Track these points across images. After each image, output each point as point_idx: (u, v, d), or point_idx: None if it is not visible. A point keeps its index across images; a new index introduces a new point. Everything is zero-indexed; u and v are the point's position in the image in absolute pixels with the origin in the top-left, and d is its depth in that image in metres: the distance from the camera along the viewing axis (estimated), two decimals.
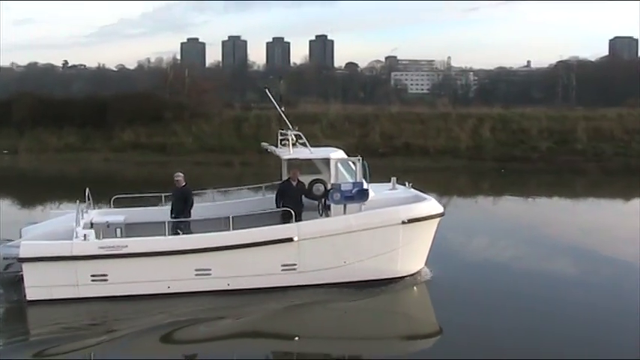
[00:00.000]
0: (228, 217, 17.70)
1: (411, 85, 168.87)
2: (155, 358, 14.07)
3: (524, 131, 53.31)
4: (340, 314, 16.55)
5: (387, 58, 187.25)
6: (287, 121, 19.30)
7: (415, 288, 18.47)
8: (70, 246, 16.62)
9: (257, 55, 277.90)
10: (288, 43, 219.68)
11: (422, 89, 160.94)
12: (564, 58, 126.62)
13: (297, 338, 15.09)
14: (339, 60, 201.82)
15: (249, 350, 14.56)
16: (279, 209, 18.49)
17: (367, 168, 18.36)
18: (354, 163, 18.53)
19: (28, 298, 16.29)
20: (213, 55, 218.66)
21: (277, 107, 20.11)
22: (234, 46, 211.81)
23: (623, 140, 52.70)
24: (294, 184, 18.97)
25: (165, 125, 54.25)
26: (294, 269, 17.60)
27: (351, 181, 18.39)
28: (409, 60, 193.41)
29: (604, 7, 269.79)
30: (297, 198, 18.67)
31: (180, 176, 18.80)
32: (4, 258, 16.75)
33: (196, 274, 17.14)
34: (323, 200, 18.62)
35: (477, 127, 53.50)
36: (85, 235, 16.88)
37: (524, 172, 45.99)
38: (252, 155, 49.99)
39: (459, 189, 41.44)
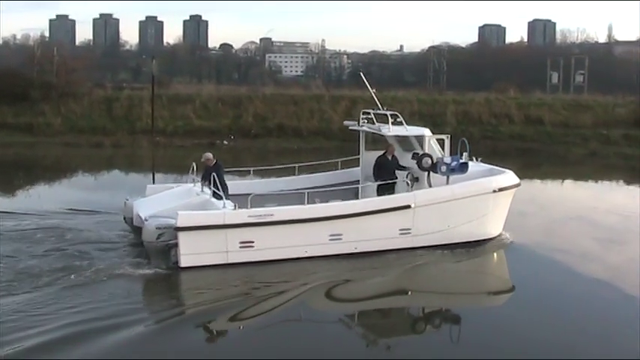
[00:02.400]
0: (308, 190, 19.83)
1: (286, 67, 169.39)
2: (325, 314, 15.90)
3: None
4: (441, 273, 18.95)
5: (261, 39, 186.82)
6: (378, 101, 22.00)
7: (495, 251, 21.00)
8: (222, 215, 17.98)
9: (129, 34, 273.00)
10: (162, 23, 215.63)
11: (296, 71, 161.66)
12: (436, 43, 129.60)
13: (410, 293, 17.59)
14: (214, 41, 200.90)
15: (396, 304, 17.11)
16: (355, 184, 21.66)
17: (467, 144, 20.62)
18: (442, 140, 21.23)
19: (183, 264, 17.47)
20: (84, 34, 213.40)
21: (369, 88, 22.82)
22: (106, 25, 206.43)
23: (491, 124, 54.39)
24: (390, 157, 21.23)
25: (32, 105, 52.13)
26: (409, 233, 19.76)
27: (439, 155, 20.82)
28: (284, 42, 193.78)
29: None
30: (392, 170, 21.00)
31: (209, 156, 20.57)
32: (156, 228, 17.59)
33: (330, 239, 18.90)
34: (427, 171, 20.53)
35: (349, 109, 53.85)
36: (235, 206, 18.32)
37: None
38: (123, 136, 49.19)
39: (327, 169, 41.81)
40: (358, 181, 22.50)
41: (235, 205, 18.36)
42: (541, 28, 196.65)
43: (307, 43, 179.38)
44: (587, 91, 76.08)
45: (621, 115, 56.94)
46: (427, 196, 20.00)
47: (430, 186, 20.57)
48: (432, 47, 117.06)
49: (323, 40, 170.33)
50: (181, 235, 17.46)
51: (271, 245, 18.23)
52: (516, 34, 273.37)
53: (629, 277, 18.25)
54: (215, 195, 19.05)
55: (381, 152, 21.73)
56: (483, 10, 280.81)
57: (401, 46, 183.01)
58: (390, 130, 20.74)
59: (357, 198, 21.11)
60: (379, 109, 21.74)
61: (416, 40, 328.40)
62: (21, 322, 13.76)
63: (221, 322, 14.87)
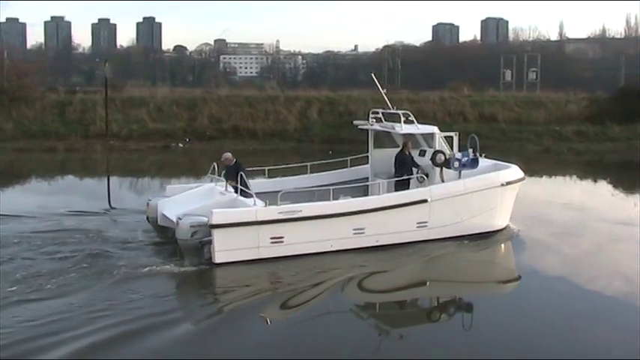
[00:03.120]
0: (325, 186, 21.53)
1: (240, 68, 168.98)
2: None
3: (351, 113, 54.17)
4: (456, 264, 20.05)
5: (216, 41, 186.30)
6: (388, 101, 23.12)
7: (503, 242, 22.13)
8: (254, 212, 18.78)
9: (82, 37, 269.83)
10: (115, 25, 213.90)
11: (251, 72, 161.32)
12: (390, 42, 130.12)
13: (428, 283, 18.54)
14: (168, 43, 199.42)
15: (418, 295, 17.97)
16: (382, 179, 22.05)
17: (477, 141, 21.75)
18: (451, 137, 22.35)
19: (217, 260, 18.22)
20: (35, 37, 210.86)
21: (380, 89, 23.95)
22: (58, 27, 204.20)
23: (446, 122, 54.57)
24: (407, 153, 22.39)
25: None
26: (426, 226, 20.85)
27: (449, 152, 21.98)
28: (238, 43, 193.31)
29: None
30: (410, 166, 22.24)
31: (228, 155, 21.36)
32: (190, 226, 18.15)
33: (354, 233, 19.81)
34: (440, 167, 21.68)
35: (304, 110, 54.06)
36: (266, 203, 19.06)
37: (352, 153, 46.79)
38: (77, 141, 48.62)
39: (289, 171, 41.75)
40: (367, 178, 23.68)
41: (266, 203, 19.11)
42: (494, 27, 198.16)
43: (262, 44, 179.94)
44: (539, 89, 76.73)
45: (573, 112, 57.82)
46: (442, 191, 21.23)
47: (443, 181, 21.78)
48: (386, 46, 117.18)
49: (277, 41, 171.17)
50: (215, 232, 18.18)
51: (300, 240, 19.08)
52: (470, 32, 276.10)
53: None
54: (242, 193, 19.99)
55: (390, 149, 23.63)
56: (437, 9, 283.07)
57: (355, 46, 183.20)
58: (402, 128, 21.86)
59: (366, 195, 22.08)
60: (389, 109, 22.98)
61: (370, 40, 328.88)
62: (69, 322, 14.10)
63: (256, 315, 15.24)
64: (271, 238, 18.83)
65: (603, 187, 36.40)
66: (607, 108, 57.00)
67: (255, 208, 18.92)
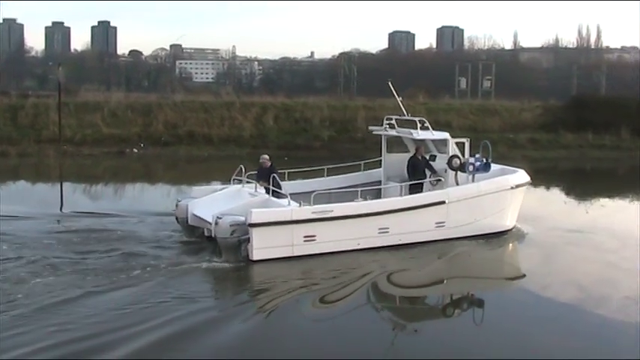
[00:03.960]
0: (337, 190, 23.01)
1: (196, 73, 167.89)
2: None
3: (307, 120, 54.38)
4: (467, 261, 21.69)
5: (172, 46, 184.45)
6: (403, 108, 24.55)
7: (511, 241, 23.82)
8: (290, 212, 19.90)
9: (35, 40, 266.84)
10: (69, 28, 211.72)
11: (207, 78, 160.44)
12: (346, 49, 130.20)
13: (445, 281, 19.68)
14: (123, 47, 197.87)
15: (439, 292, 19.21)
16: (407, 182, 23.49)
17: (489, 147, 23.71)
18: (462, 143, 23.49)
19: (255, 258, 19.31)
20: None
21: (396, 96, 25.10)
22: (10, 30, 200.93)
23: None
24: (420, 158, 23.85)
25: None
26: (443, 226, 22.29)
27: (463, 157, 23.34)
28: (194, 48, 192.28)
29: (384, 2, 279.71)
30: (424, 169, 23.77)
31: (267, 157, 23.12)
32: (230, 225, 19.10)
33: (379, 232, 21.14)
34: (456, 171, 23.15)
35: (260, 116, 53.93)
36: (300, 203, 20.35)
37: (307, 160, 46.85)
38: (29, 145, 47.98)
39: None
40: (380, 181, 25.04)
41: (300, 203, 20.36)
42: (449, 35, 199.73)
43: (218, 49, 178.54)
44: (494, 97, 77.44)
45: (527, 120, 58.53)
46: (458, 193, 22.73)
47: (457, 184, 23.22)
48: (342, 53, 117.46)
49: (233, 47, 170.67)
50: (254, 231, 19.25)
51: (330, 239, 20.23)
52: (425, 40, 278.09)
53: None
54: (274, 194, 21.32)
55: (403, 154, 25.12)
56: (393, 16, 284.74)
57: (312, 53, 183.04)
58: (419, 134, 23.31)
59: (379, 197, 23.49)
60: (403, 115, 24.50)
61: (327, 47, 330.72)
62: (126, 319, 14.84)
63: (296, 310, 16.48)
64: (304, 237, 20.02)
65: (556, 195, 36.86)
66: (560, 116, 57.84)
67: (290, 208, 20.08)
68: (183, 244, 21.39)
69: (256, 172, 22.88)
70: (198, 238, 21.72)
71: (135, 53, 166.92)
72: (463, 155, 23.37)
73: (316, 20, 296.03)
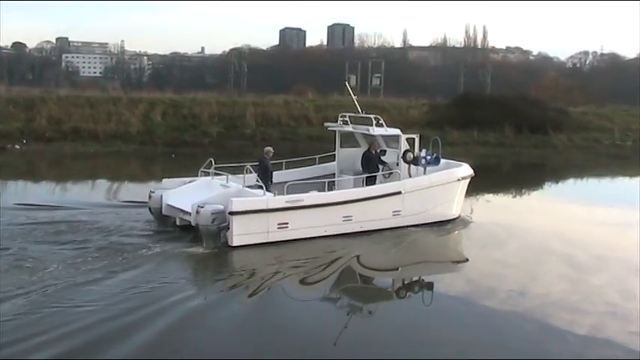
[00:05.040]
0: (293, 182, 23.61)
1: (84, 68, 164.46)
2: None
3: (196, 116, 53.82)
4: (420, 247, 23.13)
5: (58, 39, 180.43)
6: (358, 106, 25.99)
7: (456, 229, 25.58)
8: (266, 201, 21.32)
9: None
10: None
11: (95, 72, 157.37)
12: (237, 45, 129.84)
13: (400, 269, 21.17)
14: (5, 39, 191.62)
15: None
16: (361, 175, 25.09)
17: (439, 142, 25.87)
18: (412, 139, 25.23)
19: (234, 244, 20.55)
20: None
21: (351, 95, 26.85)
22: None
23: (290, 126, 55.14)
24: (374, 152, 25.35)
25: None
26: (399, 214, 24.05)
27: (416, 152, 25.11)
28: (82, 42, 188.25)
29: None
30: (377, 163, 25.28)
31: (271, 149, 24.49)
32: (211, 213, 20.23)
33: (343, 220, 22.67)
34: (409, 164, 24.87)
35: (148, 112, 53.02)
36: (275, 193, 22.11)
37: (195, 157, 46.44)
38: None
39: (130, 174, 41.03)
40: (334, 174, 26.60)
41: (275, 193, 22.12)
42: (340, 32, 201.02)
43: (106, 43, 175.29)
44: (383, 94, 78.54)
45: (414, 117, 59.41)
46: (413, 184, 24.45)
47: (410, 176, 24.94)
48: (233, 49, 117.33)
49: (122, 41, 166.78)
50: (234, 219, 20.53)
51: (301, 226, 21.73)
52: (316, 37, 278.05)
53: None
54: (265, 184, 22.64)
55: (355, 149, 26.78)
56: (284, 13, 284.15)
57: (202, 48, 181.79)
58: (375, 130, 24.91)
59: (332, 189, 24.50)
60: (359, 112, 25.73)
61: (217, 42, 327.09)
62: (134, 301, 15.82)
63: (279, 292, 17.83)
64: (278, 224, 21.41)
65: None
66: (446, 114, 58.92)
67: (266, 198, 21.57)
68: (159, 233, 22.25)
69: (258, 162, 24.28)
70: (170, 227, 22.60)
71: (18, 45, 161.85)
72: (413, 150, 25.04)
73: (207, 15, 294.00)
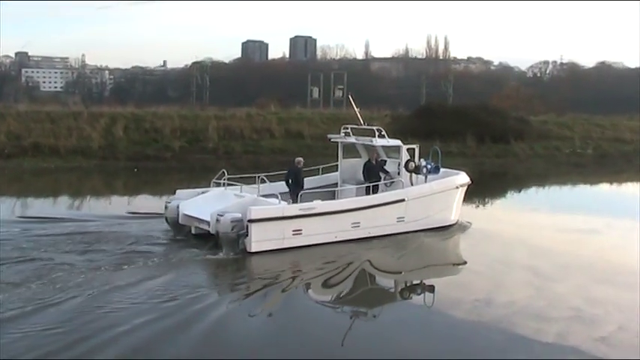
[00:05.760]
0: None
1: (44, 82, 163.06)
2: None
3: (157, 130, 53.39)
4: (423, 252, 24.39)
5: (17, 53, 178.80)
6: (360, 118, 27.10)
7: (456, 233, 26.75)
8: (282, 209, 22.47)
9: None
10: None
11: (56, 87, 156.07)
12: (199, 58, 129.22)
13: (402, 273, 22.12)
14: None
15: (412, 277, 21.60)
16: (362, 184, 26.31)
17: (439, 152, 27.43)
18: (413, 149, 26.66)
19: (253, 250, 21.59)
20: None
21: (354, 107, 28.37)
22: None
23: (252, 139, 54.97)
24: (374, 162, 26.49)
25: None
26: (403, 220, 25.16)
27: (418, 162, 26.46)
28: (42, 56, 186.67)
29: (237, 11, 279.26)
30: (377, 172, 26.35)
31: (300, 160, 25.64)
32: (231, 221, 21.30)
33: (352, 226, 23.78)
34: (411, 173, 26.21)
35: (109, 127, 52.46)
36: (289, 201, 23.69)
37: (157, 171, 46.26)
38: None
39: (92, 189, 40.55)
40: (336, 184, 27.65)
41: (289, 201, 23.65)
42: (302, 45, 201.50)
43: (67, 57, 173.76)
44: (345, 106, 78.64)
45: None
46: (415, 192, 25.69)
47: (412, 184, 26.23)
48: (195, 62, 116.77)
49: (83, 55, 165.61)
50: (253, 226, 21.58)
51: (313, 232, 22.70)
52: (279, 50, 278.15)
53: None
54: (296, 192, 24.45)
55: (357, 159, 28.16)
56: (246, 25, 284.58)
57: (164, 62, 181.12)
58: (378, 141, 26.14)
59: (334, 198, 25.22)
60: (361, 125, 27.02)
61: (179, 55, 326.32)
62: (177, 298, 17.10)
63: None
64: (293, 231, 22.41)
65: None
66: (409, 125, 58.97)
67: (282, 206, 22.80)
68: (176, 242, 23.26)
69: (288, 171, 25.69)
70: (185, 236, 23.65)
71: None
72: (414, 159, 26.31)
73: (169, 29, 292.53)
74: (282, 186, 25.45)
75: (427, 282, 20.58)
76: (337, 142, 27.92)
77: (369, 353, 14.38)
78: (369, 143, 26.50)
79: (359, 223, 23.93)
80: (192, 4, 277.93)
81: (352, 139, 27.16)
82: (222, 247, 21.68)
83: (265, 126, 56.70)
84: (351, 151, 28.64)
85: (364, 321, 17.02)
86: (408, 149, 26.45)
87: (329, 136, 28.34)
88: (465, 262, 23.36)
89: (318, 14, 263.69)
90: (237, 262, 21.21)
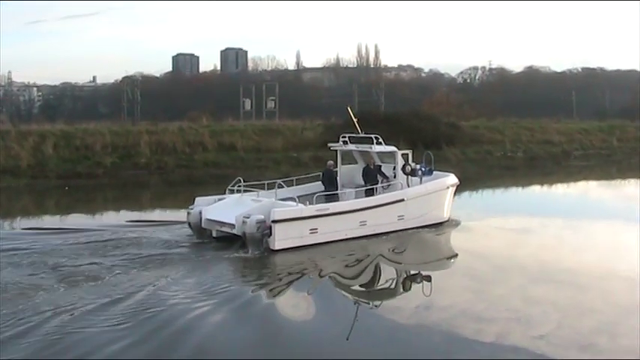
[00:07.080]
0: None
1: None
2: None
3: (88, 147, 52.73)
4: (418, 247, 26.87)
5: None
6: (358, 127, 29.35)
7: (447, 230, 29.16)
8: (300, 210, 24.67)
9: None
10: None
11: None
12: (130, 73, 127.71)
13: (402, 264, 24.49)
14: None
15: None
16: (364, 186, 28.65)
17: (432, 157, 29.96)
18: (407, 154, 29.20)
19: (276, 248, 23.78)
20: None
21: (352, 118, 30.06)
22: None
23: (185, 153, 54.76)
24: (372, 167, 29.04)
25: None
26: (403, 218, 27.61)
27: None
28: None
29: (167, 24, 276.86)
30: (376, 175, 28.77)
31: (332, 163, 29.27)
32: (256, 222, 23.38)
33: (360, 225, 26.06)
34: (407, 175, 28.63)
35: (38, 145, 51.59)
36: (307, 203, 25.21)
37: (89, 189, 45.66)
38: None
39: (23, 209, 39.76)
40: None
41: (307, 203, 25.20)
42: (233, 57, 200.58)
43: None
44: (278, 117, 78.84)
45: (309, 138, 59.86)
46: (413, 192, 28.15)
47: (409, 186, 28.55)
48: (125, 77, 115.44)
49: (9, 72, 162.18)
50: (276, 226, 23.75)
51: (328, 231, 24.96)
52: (210, 62, 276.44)
53: None
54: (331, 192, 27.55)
55: (351, 165, 30.85)
56: (176, 39, 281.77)
57: (94, 77, 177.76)
58: (376, 148, 28.55)
59: (335, 201, 27.24)
60: (358, 133, 29.28)
61: (109, 71, 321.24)
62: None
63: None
64: (310, 230, 24.62)
65: None
66: (342, 134, 59.17)
67: (300, 207, 24.85)
68: (202, 244, 25.25)
69: (322, 173, 29.09)
70: (207, 239, 25.74)
71: None
72: (408, 163, 28.74)
73: (98, 43, 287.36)
74: (294, 190, 28.01)
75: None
76: (336, 150, 30.17)
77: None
78: (367, 150, 28.93)
79: (365, 221, 26.11)
80: (121, 18, 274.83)
81: (352, 147, 29.68)
82: (247, 246, 23.73)
83: (198, 139, 56.57)
84: (347, 157, 31.33)
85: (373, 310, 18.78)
86: (402, 154, 28.95)
87: (329, 144, 30.69)
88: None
89: (249, 26, 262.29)
90: (263, 259, 23.19)
